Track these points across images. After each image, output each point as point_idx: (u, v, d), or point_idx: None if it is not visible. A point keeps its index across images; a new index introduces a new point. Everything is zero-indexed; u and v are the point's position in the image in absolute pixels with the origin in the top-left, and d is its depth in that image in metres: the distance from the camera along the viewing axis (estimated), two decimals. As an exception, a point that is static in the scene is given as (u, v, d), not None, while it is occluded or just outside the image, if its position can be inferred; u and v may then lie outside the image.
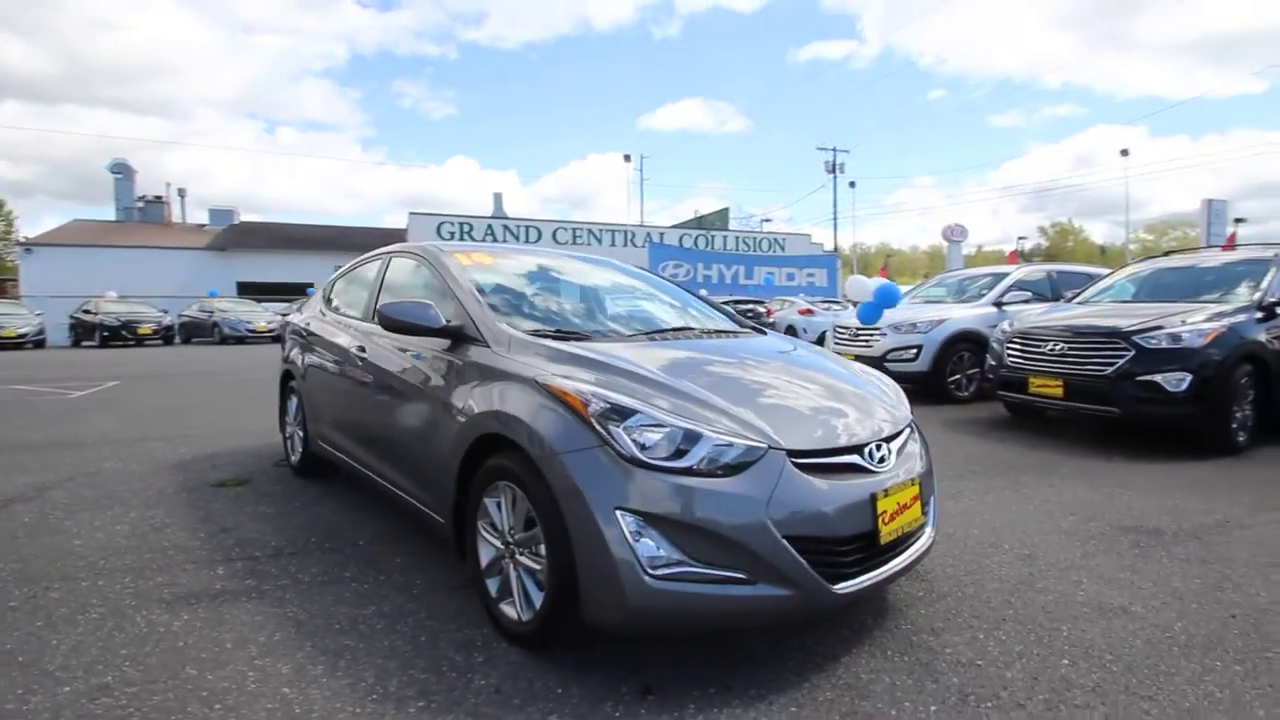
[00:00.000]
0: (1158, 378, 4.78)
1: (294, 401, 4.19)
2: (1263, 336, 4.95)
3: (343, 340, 3.43)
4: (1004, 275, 8.00)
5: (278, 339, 21.92)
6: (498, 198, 36.86)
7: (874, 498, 1.97)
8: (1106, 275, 8.01)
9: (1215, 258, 6.06)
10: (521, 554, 2.07)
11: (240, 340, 20.42)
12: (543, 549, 1.98)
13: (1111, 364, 4.98)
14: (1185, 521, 3.33)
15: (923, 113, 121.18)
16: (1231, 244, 6.91)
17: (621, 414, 1.89)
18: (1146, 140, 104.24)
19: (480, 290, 2.67)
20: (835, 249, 34.70)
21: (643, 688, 1.87)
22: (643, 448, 1.83)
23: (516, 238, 26.72)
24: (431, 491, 2.55)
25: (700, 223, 35.46)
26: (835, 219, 40.26)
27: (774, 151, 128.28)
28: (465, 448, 2.26)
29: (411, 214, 26.58)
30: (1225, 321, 4.89)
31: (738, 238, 30.24)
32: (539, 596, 2.00)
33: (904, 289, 9.12)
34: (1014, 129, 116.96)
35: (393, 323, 2.56)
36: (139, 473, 4.28)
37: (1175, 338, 4.82)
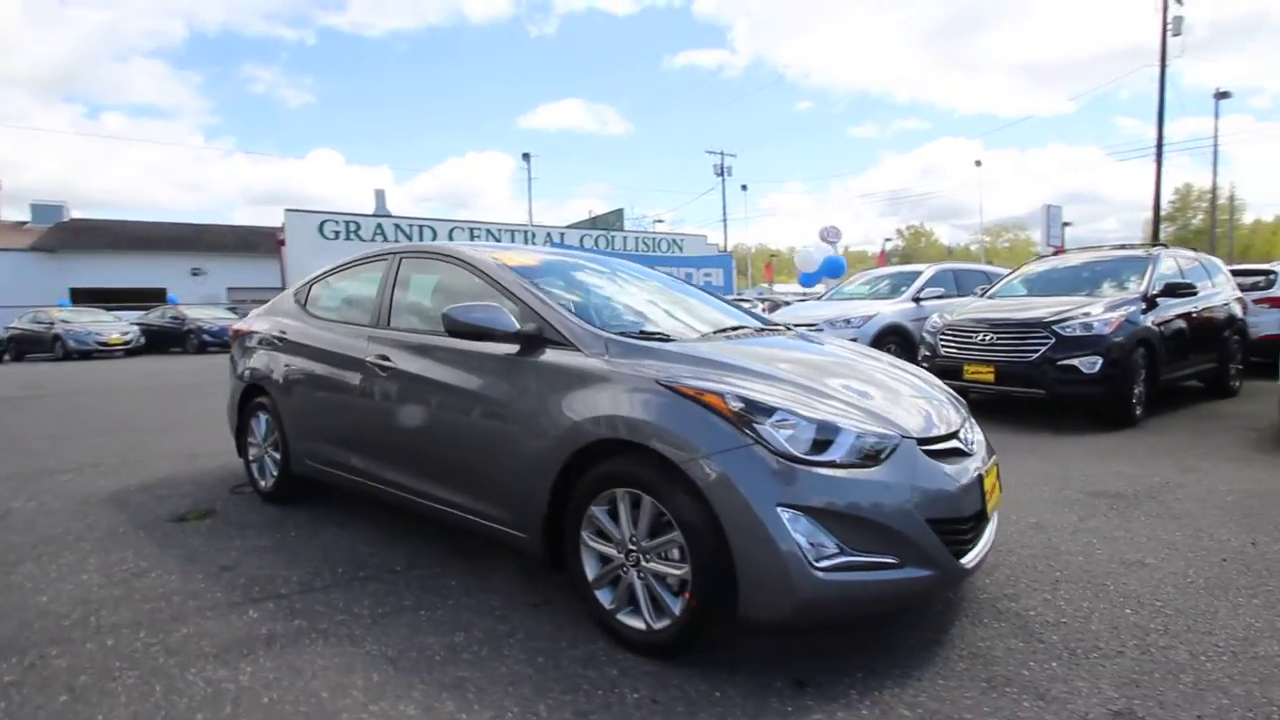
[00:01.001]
0: (1075, 361, 5.47)
1: (262, 420, 3.76)
2: (1149, 323, 5.81)
3: (348, 349, 3.13)
4: (917, 274, 8.77)
5: (132, 352, 19.51)
6: (380, 195, 34.64)
7: (980, 477, 2.13)
8: (1000, 272, 8.98)
9: (1101, 257, 7.01)
10: (649, 560, 2.02)
11: (86, 356, 17.83)
12: (676, 553, 1.96)
13: (1035, 350, 5.63)
14: (1135, 485, 3.85)
15: (791, 122, 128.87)
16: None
17: (765, 411, 1.91)
18: (982, 152, 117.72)
19: (544, 292, 2.56)
20: (726, 249, 36.14)
21: (795, 681, 1.90)
22: (790, 443, 1.86)
23: (409, 237, 25.34)
24: (505, 506, 2.41)
25: (595, 223, 35.54)
26: (725, 220, 41.99)
27: (656, 154, 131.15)
28: (565, 458, 2.17)
29: (288, 211, 24.28)
30: (1122, 311, 5.69)
31: (637, 238, 30.59)
32: (675, 602, 1.96)
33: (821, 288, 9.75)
34: (870, 139, 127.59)
35: (463, 328, 2.39)
36: (65, 510, 3.66)
37: (1087, 326, 5.54)
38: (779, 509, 1.79)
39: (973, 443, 2.27)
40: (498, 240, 27.57)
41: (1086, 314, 5.64)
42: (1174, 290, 6.05)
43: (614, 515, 2.11)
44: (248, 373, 3.85)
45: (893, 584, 1.86)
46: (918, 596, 2.02)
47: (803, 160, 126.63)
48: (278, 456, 3.65)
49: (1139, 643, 2.07)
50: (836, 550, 1.81)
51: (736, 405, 1.91)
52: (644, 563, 2.03)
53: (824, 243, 36.82)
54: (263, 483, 3.80)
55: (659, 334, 2.48)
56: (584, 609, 2.24)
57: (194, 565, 2.86)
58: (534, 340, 2.39)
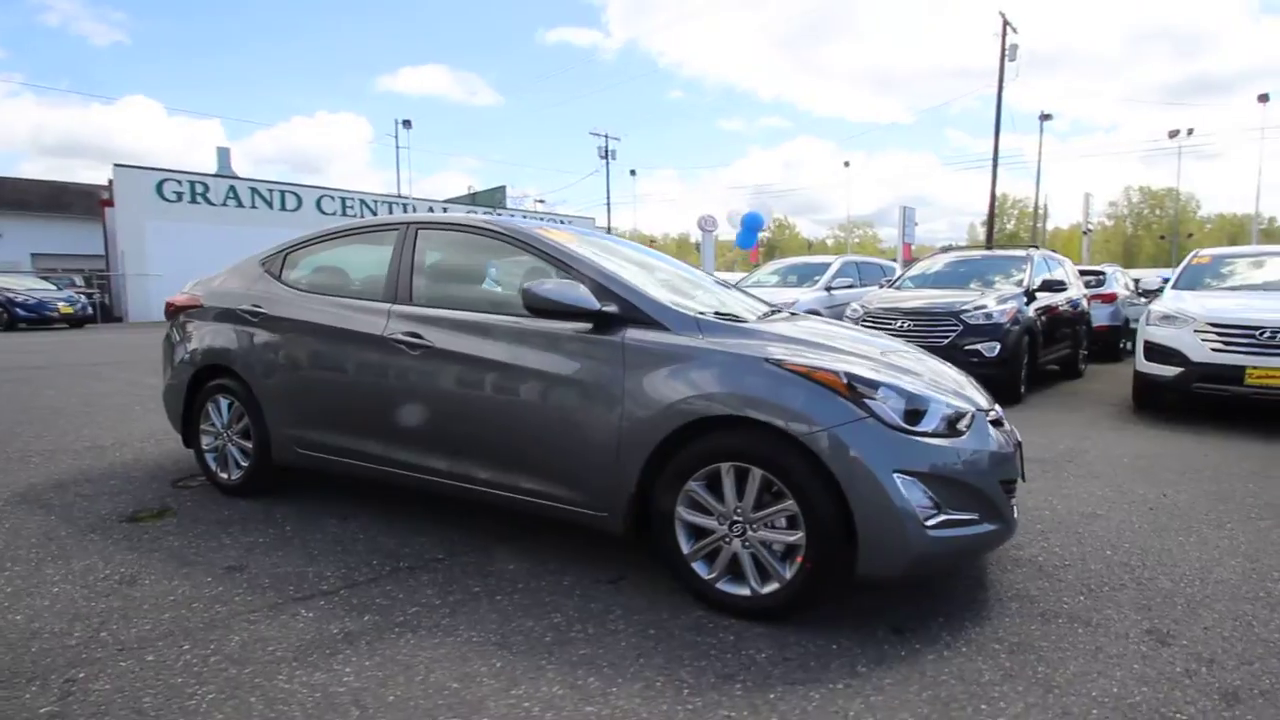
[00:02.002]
0: (979, 345, 6.25)
1: (223, 406, 3.36)
2: (1032, 313, 6.76)
3: (359, 325, 2.89)
4: (826, 265, 9.49)
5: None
6: (224, 154, 30.81)
7: (1019, 445, 2.45)
8: (891, 265, 9.88)
9: (988, 254, 8.01)
10: (756, 529, 2.12)
11: None
12: (783, 521, 2.08)
13: (946, 336, 6.35)
14: (1049, 451, 4.52)
15: (663, 110, 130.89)
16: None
17: (871, 386, 2.07)
18: (836, 153, 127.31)
19: (615, 271, 2.54)
20: (610, 232, 36.37)
21: (894, 629, 2.10)
22: (894, 415, 2.04)
23: (269, 204, 22.89)
24: (580, 487, 2.39)
25: (474, 199, 34.27)
26: (609, 204, 42.03)
27: (530, 131, 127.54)
28: (662, 436, 2.20)
29: (118, 167, 21.06)
30: (1013, 303, 6.57)
31: (525, 217, 29.95)
32: (785, 568, 2.09)
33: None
34: (738, 133, 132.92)
35: (548, 305, 2.32)
36: (-27, 517, 3.05)
37: (988, 315, 6.34)
38: (895, 475, 1.97)
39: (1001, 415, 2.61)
40: (374, 211, 25.66)
41: (986, 305, 6.45)
42: (1049, 286, 7.08)
43: (712, 489, 2.18)
44: (201, 353, 3.40)
45: (977, 538, 2.11)
46: (989, 549, 2.31)
47: (674, 148, 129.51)
48: (249, 445, 3.28)
49: (1132, 577, 2.51)
50: (937, 510, 2.02)
51: (848, 381, 2.06)
52: (750, 532, 2.13)
53: (703, 231, 38.33)
54: (224, 475, 3.39)
55: (730, 314, 2.57)
56: (674, 582, 2.30)
57: (192, 568, 2.54)
58: (614, 319, 2.38)
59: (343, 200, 24.74)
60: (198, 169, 22.96)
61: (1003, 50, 23.41)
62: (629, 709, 1.70)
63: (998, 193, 26.24)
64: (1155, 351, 5.58)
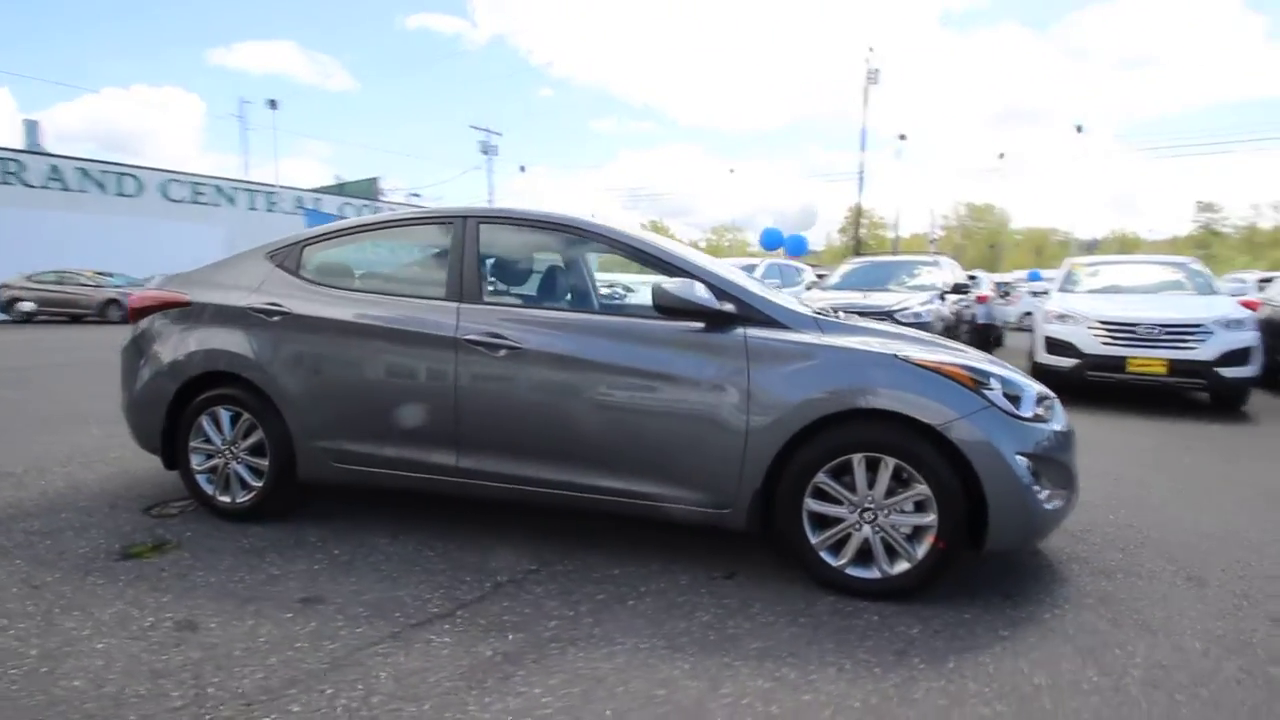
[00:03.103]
0: (910, 342, 6.91)
1: (224, 419, 2.94)
2: (948, 311, 7.57)
3: (423, 325, 2.67)
4: (753, 266, 9.95)
5: None
6: (31, 126, 26.23)
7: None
8: (808, 269, 10.56)
9: (902, 259, 8.83)
10: (886, 514, 2.26)
11: None
12: (911, 505, 2.23)
13: (882, 333, 6.96)
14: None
15: (534, 107, 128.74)
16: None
17: (985, 376, 2.28)
18: (703, 159, 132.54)
19: (723, 270, 2.56)
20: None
21: (1005, 595, 2.33)
22: (1005, 402, 2.27)
23: (103, 188, 19.80)
24: (701, 486, 2.40)
25: (342, 189, 31.93)
26: (491, 201, 40.84)
27: (392, 120, 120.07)
28: (794, 431, 2.28)
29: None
30: (934, 303, 7.32)
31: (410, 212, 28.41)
32: (916, 548, 2.24)
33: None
34: (610, 135, 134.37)
35: (675, 303, 2.32)
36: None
37: (916, 315, 7.01)
38: (1018, 457, 2.19)
39: None
40: (232, 201, 23.06)
41: (911, 304, 7.14)
42: (958, 288, 7.97)
43: (839, 479, 2.29)
44: (195, 359, 2.96)
45: (1064, 511, 2.39)
46: (1064, 520, 2.61)
47: (545, 146, 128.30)
48: (262, 462, 2.91)
49: (1143, 535, 2.94)
50: (1044, 486, 2.27)
51: (971, 374, 2.26)
52: (880, 518, 2.27)
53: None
54: (225, 498, 2.97)
55: (823, 311, 2.69)
56: (787, 572, 2.39)
57: (257, 604, 2.23)
58: (729, 319, 2.41)
59: (194, 186, 21.99)
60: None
61: (866, 74, 25.75)
62: (841, 692, 1.76)
63: (852, 203, 28.78)
64: (1055, 346, 6.48)
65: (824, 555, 2.32)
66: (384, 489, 2.86)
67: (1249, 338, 5.78)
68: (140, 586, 2.35)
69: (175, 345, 3.02)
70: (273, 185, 24.84)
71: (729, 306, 2.42)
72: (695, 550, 2.67)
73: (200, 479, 3.02)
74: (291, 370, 2.83)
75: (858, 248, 28.66)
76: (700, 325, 2.43)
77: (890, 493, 2.25)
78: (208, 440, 2.99)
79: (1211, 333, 5.78)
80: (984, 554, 2.26)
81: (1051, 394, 2.54)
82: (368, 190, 31.51)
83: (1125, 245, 58.18)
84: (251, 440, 2.93)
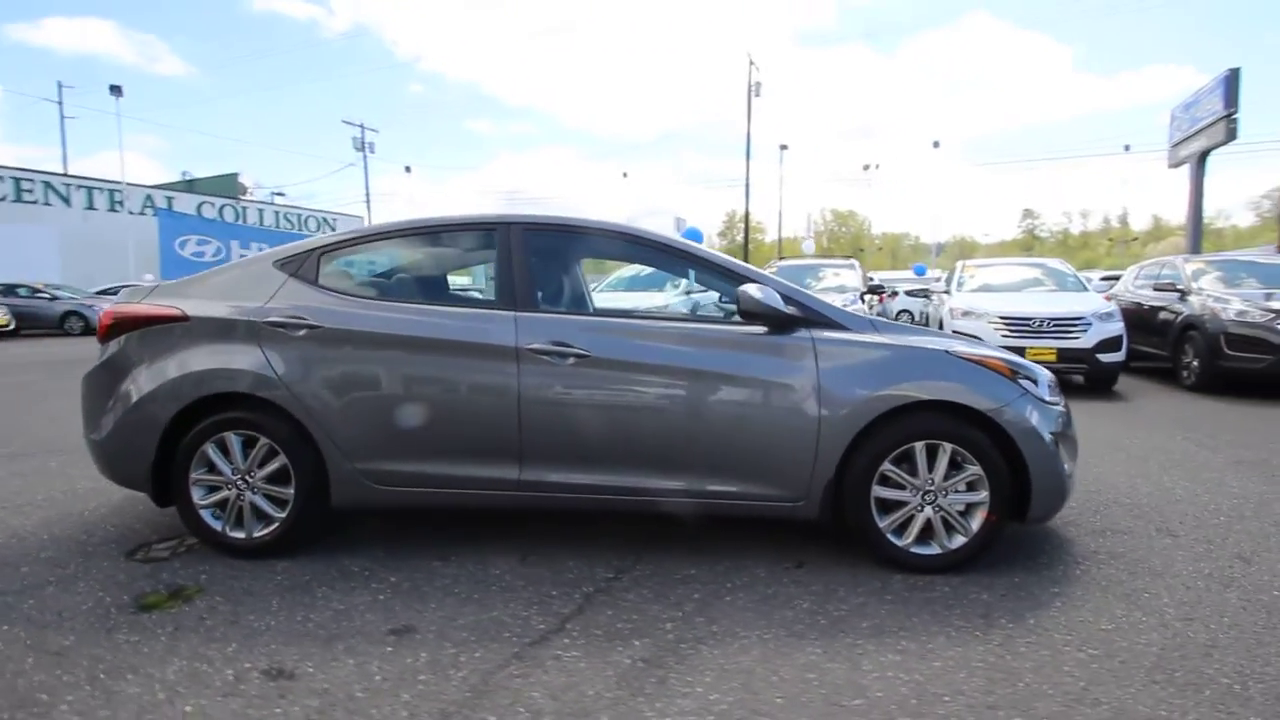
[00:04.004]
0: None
1: (237, 443, 2.66)
2: (866, 310, 8.23)
3: (482, 335, 2.58)
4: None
5: None
6: None
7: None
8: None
9: (819, 261, 9.46)
10: (944, 496, 2.50)
11: None
12: (964, 486, 2.50)
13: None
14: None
15: (404, 104, 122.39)
16: None
17: (1019, 367, 2.59)
18: (584, 162, 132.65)
19: (776, 276, 2.70)
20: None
21: (1034, 558, 2.65)
22: (1036, 388, 2.60)
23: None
24: (776, 482, 2.52)
25: (192, 186, 28.83)
26: (368, 201, 38.45)
27: (239, 112, 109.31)
28: (864, 424, 2.46)
29: None
30: (857, 304, 7.94)
31: (279, 213, 26.05)
32: (971, 523, 2.50)
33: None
34: (488, 135, 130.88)
35: (758, 308, 2.44)
36: None
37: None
38: (1050, 436, 2.51)
39: None
40: (66, 200, 20.03)
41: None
42: (873, 289, 8.70)
43: (901, 465, 2.51)
44: (198, 380, 2.65)
45: (1074, 479, 2.76)
46: None
47: (420, 145, 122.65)
48: (285, 491, 2.67)
49: (1142, 502, 3.44)
50: (1064, 460, 2.62)
51: (1010, 365, 2.56)
52: (940, 499, 2.51)
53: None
54: (238, 534, 2.69)
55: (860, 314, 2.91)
56: (849, 556, 2.58)
57: (340, 642, 2.07)
58: (796, 321, 2.56)
59: (16, 182, 18.88)
60: None
61: (749, 86, 27.15)
62: (960, 655, 1.96)
63: (728, 209, 30.27)
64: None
65: (890, 537, 2.53)
66: (428, 509, 2.73)
67: (1119, 327, 6.84)
68: (189, 639, 2.10)
69: (171, 366, 2.68)
70: (117, 182, 21.78)
71: (794, 310, 2.57)
72: (753, 545, 2.79)
73: (205, 514, 2.71)
74: (324, 388, 2.62)
75: (746, 250, 30.11)
76: (764, 329, 2.56)
77: (946, 475, 2.51)
78: (213, 470, 2.69)
79: (1091, 324, 6.77)
80: (1026, 523, 2.57)
81: (1054, 377, 2.92)
82: (228, 188, 28.62)
83: (965, 248, 65.79)
84: (271, 467, 2.67)
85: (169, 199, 22.74)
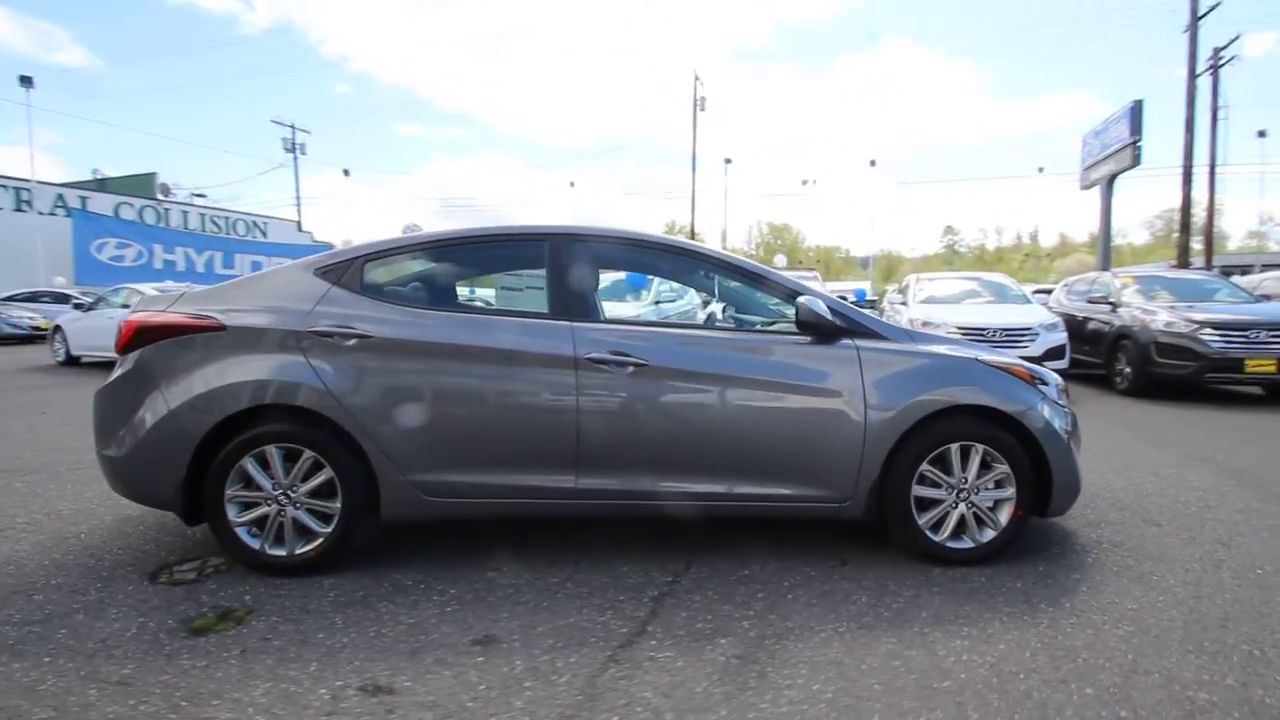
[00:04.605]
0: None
1: (278, 456, 2.58)
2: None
3: (540, 345, 2.61)
4: (650, 281, 10.36)
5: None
6: None
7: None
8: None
9: (786, 274, 9.77)
10: (975, 494, 2.70)
11: None
12: (992, 484, 2.71)
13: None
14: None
15: (331, 105, 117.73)
16: None
17: (1037, 375, 2.84)
18: (525, 170, 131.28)
19: (814, 289, 2.84)
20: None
21: (1046, 549, 2.89)
22: (1050, 391, 2.84)
23: None
24: (824, 483, 2.66)
25: (104, 186, 26.88)
26: (299, 203, 36.83)
27: (152, 108, 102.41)
28: (907, 426, 2.64)
29: None
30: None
31: (205, 215, 24.55)
32: (1000, 517, 2.70)
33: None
34: (421, 140, 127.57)
35: (816, 319, 2.59)
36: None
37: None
38: (1065, 435, 2.76)
39: None
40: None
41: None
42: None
43: (936, 466, 2.70)
44: (239, 392, 2.54)
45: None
46: None
47: (350, 148, 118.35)
48: (330, 505, 2.60)
49: (1119, 495, 3.76)
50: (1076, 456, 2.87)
51: (1030, 371, 2.79)
52: (971, 497, 2.71)
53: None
54: (279, 551, 2.60)
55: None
56: (889, 553, 2.75)
57: (426, 655, 2.06)
58: (839, 332, 2.71)
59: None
60: None
61: (694, 100, 27.77)
62: (1018, 638, 2.14)
63: (667, 219, 30.84)
64: (925, 347, 7.72)
65: (928, 533, 2.71)
66: (480, 520, 2.71)
67: (1063, 337, 7.43)
68: (263, 660, 2.02)
69: (207, 377, 2.57)
70: (25, 179, 19.96)
71: (840, 321, 2.73)
72: (794, 545, 2.91)
73: (240, 532, 2.60)
74: (377, 399, 2.57)
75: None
76: (810, 339, 2.71)
77: (977, 474, 2.71)
78: (250, 486, 2.59)
79: (1039, 334, 7.33)
80: (1047, 516, 2.81)
81: (1062, 380, 3.19)
82: (145, 188, 26.78)
83: (892, 262, 69.20)
84: (315, 481, 2.60)
85: (83, 199, 21.05)
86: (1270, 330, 6.72)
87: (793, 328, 2.73)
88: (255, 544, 2.60)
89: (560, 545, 2.90)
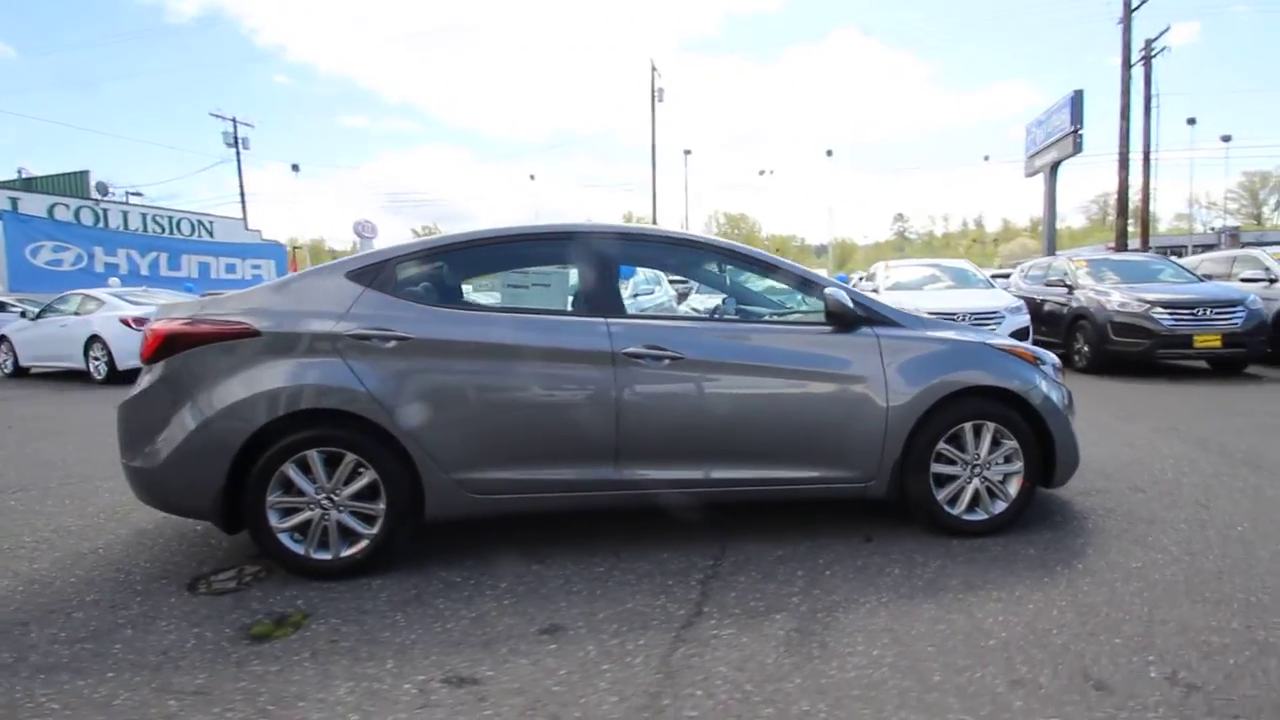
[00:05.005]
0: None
1: (319, 460, 2.57)
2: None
3: (577, 342, 2.68)
4: (632, 272, 10.43)
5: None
6: None
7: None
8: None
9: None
10: (987, 470, 2.89)
11: None
12: (1002, 459, 2.91)
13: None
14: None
15: (268, 96, 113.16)
16: None
17: (1038, 356, 3.04)
18: (475, 164, 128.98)
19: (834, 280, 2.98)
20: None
21: (1048, 517, 3.11)
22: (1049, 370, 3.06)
23: None
24: (849, 465, 2.81)
25: (30, 185, 25.34)
26: (243, 200, 35.38)
27: (64, 99, 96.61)
28: (926, 407, 2.80)
29: None
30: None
31: (146, 215, 23.36)
32: (1010, 490, 2.90)
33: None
34: (366, 133, 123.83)
35: (843, 310, 2.71)
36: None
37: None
38: (1065, 410, 2.98)
39: None
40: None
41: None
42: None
43: (951, 444, 2.88)
44: (278, 398, 2.53)
45: (1075, 448, 3.26)
46: None
47: (292, 142, 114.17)
48: (375, 508, 2.62)
49: (1105, 465, 4.03)
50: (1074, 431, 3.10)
51: (1033, 352, 3.00)
52: (984, 473, 2.90)
53: (361, 238, 35.23)
54: (324, 555, 2.61)
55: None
56: (910, 528, 2.93)
57: (499, 645, 2.12)
58: (860, 320, 2.85)
59: None
60: None
61: (653, 92, 27.81)
62: (1045, 598, 2.32)
63: (625, 211, 30.94)
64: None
65: (946, 507, 2.89)
66: (523, 515, 2.77)
67: (1026, 319, 7.84)
68: (337, 660, 2.06)
69: (242, 384, 2.55)
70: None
71: (861, 311, 2.87)
72: (818, 525, 3.06)
73: (284, 538, 2.59)
74: (418, 400, 2.60)
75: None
76: (832, 328, 2.85)
77: (989, 450, 2.90)
78: (290, 491, 2.59)
79: (1005, 317, 7.71)
80: (1051, 486, 3.03)
81: (1058, 359, 3.42)
82: (77, 187, 25.32)
83: (845, 250, 70.83)
84: (359, 484, 2.61)
85: (13, 200, 19.79)
86: (1215, 308, 7.24)
87: (812, 318, 2.87)
88: (299, 549, 2.60)
89: (596, 536, 2.98)
